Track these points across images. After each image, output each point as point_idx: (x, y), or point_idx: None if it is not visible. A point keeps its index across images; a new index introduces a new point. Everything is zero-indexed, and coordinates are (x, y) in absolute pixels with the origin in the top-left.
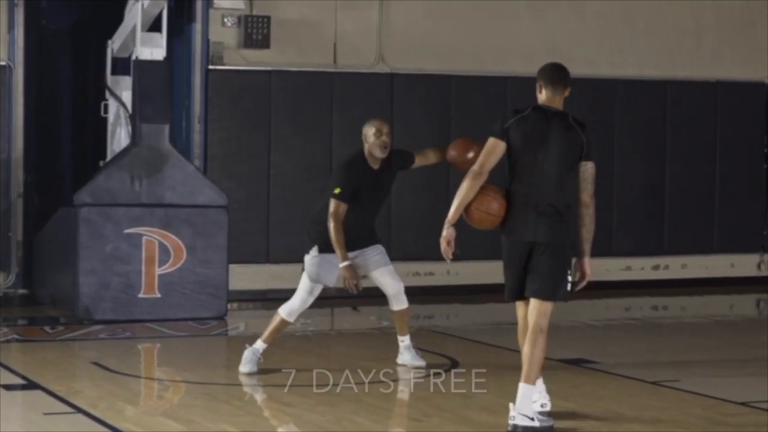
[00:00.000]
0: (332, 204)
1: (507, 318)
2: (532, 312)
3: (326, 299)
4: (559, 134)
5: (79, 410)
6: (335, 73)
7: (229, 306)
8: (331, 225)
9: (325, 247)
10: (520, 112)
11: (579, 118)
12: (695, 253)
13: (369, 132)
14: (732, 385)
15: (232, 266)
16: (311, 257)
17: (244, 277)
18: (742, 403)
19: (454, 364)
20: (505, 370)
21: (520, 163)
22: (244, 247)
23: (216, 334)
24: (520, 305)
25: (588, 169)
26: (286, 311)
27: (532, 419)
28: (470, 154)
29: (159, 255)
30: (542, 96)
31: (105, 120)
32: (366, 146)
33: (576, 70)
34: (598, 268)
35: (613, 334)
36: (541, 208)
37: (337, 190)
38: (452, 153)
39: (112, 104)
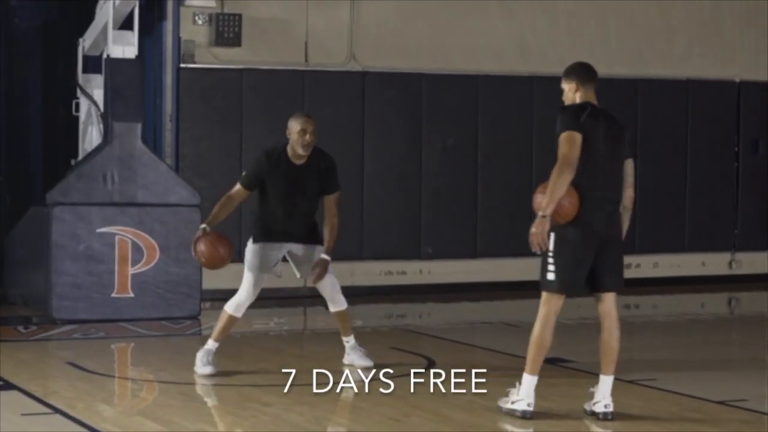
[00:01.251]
0: (235, 186)
1: (480, 317)
2: (609, 304)
3: (298, 298)
4: (615, 131)
5: (57, 411)
6: (307, 71)
7: (202, 305)
8: (223, 198)
9: (259, 236)
10: (584, 108)
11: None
12: (667, 252)
13: (294, 128)
14: (708, 384)
15: None
16: (248, 247)
17: (217, 276)
18: (720, 402)
19: (431, 363)
20: (482, 369)
21: (591, 158)
22: None
23: (190, 333)
24: (561, 299)
25: (632, 165)
26: (233, 306)
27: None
28: None
29: (132, 254)
30: (579, 95)
31: (76, 118)
32: (290, 142)
33: (546, 68)
34: None
35: (587, 333)
36: (609, 201)
37: (243, 173)
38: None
39: (84, 103)
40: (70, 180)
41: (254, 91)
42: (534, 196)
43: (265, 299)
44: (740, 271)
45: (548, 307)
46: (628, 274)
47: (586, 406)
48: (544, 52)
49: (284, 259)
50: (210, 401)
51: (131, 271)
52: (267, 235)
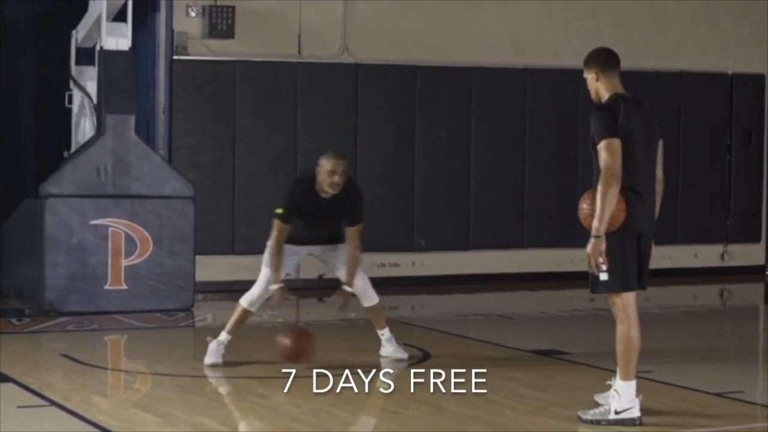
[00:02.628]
0: (274, 224)
1: (473, 309)
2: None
3: (291, 290)
4: (647, 120)
5: (53, 403)
6: (300, 63)
7: (195, 297)
8: (270, 245)
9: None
10: (618, 106)
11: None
12: (659, 244)
13: (324, 168)
14: (704, 376)
15: (197, 257)
16: (268, 247)
17: (210, 268)
18: (717, 394)
19: (426, 355)
20: (477, 362)
21: (630, 157)
22: (209, 238)
23: (184, 325)
24: (631, 295)
25: (661, 146)
26: (247, 301)
27: None
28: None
29: (125, 246)
30: (601, 83)
31: (69, 110)
32: (318, 176)
33: (540, 60)
34: (561, 259)
35: (581, 324)
36: (649, 195)
37: (279, 210)
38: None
39: (77, 95)
40: (64, 172)
41: (247, 83)
42: (579, 204)
43: None
44: (732, 263)
45: (624, 306)
46: None
47: (599, 399)
48: (538, 44)
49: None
50: (206, 393)
51: (124, 263)
52: (289, 239)
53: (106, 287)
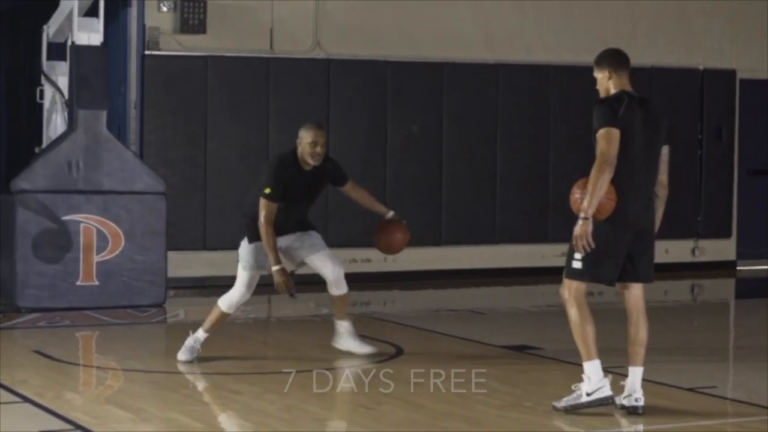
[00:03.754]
0: (262, 204)
1: (445, 304)
2: (638, 296)
3: (263, 286)
4: (652, 119)
5: (27, 400)
6: (272, 58)
7: (167, 293)
8: (263, 227)
9: (256, 237)
10: (621, 100)
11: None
12: None
13: (305, 139)
14: (677, 371)
15: (168, 253)
16: (244, 246)
17: (181, 264)
18: (690, 389)
19: (399, 351)
20: (450, 357)
21: (629, 151)
22: (180, 234)
23: (156, 321)
24: (584, 284)
25: (668, 151)
26: (226, 304)
27: None
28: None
29: (97, 242)
30: (612, 82)
31: (40, 106)
32: (299, 149)
33: (512, 56)
34: (533, 255)
35: (553, 320)
36: (646, 193)
37: (267, 190)
38: (398, 235)
39: (48, 90)
40: (35, 167)
41: (219, 79)
42: (571, 193)
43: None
44: (703, 259)
45: (572, 291)
46: None
47: (617, 400)
48: (510, 40)
49: None
50: (180, 390)
51: (96, 259)
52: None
53: (78, 283)
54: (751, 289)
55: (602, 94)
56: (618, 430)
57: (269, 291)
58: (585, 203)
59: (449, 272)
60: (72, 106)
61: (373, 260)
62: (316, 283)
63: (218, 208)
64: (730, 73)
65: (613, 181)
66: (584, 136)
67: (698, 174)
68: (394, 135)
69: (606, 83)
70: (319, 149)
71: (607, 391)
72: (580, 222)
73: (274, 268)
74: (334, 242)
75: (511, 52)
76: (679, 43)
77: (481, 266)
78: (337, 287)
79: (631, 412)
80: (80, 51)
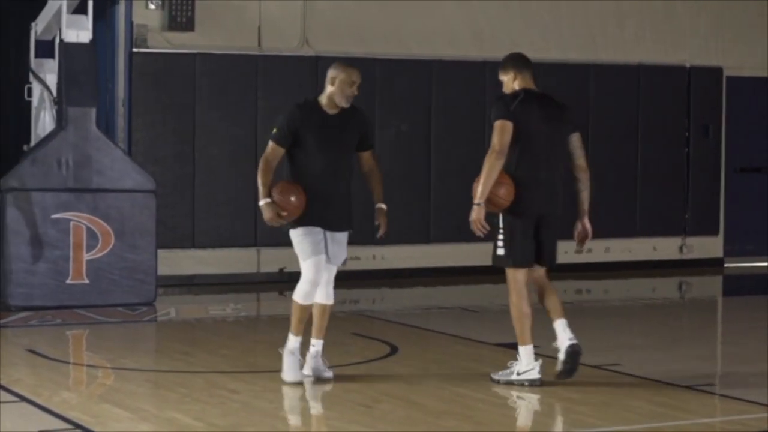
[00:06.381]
0: (267, 145)
1: (435, 302)
2: (542, 275)
3: (252, 284)
4: (552, 111)
5: (23, 399)
6: (260, 56)
7: (157, 291)
8: (261, 164)
9: (299, 220)
10: (518, 96)
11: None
12: (618, 237)
13: (340, 77)
14: (673, 369)
15: (158, 251)
16: (293, 237)
17: (170, 262)
18: (688, 387)
19: (394, 349)
20: (446, 355)
21: (527, 142)
22: (169, 232)
23: (147, 320)
24: (522, 271)
25: (578, 138)
26: (301, 296)
27: None
28: None
29: (87, 240)
30: (519, 82)
31: (28, 104)
32: (328, 91)
33: (499, 53)
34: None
35: (544, 317)
36: (549, 181)
37: (273, 130)
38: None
39: (36, 87)
40: (24, 165)
41: (207, 76)
42: (473, 186)
43: (218, 285)
44: (691, 256)
45: (512, 279)
46: (579, 258)
47: (559, 346)
48: (498, 37)
49: None
50: (176, 388)
51: (86, 257)
52: (307, 216)
53: (68, 281)
54: (739, 286)
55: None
56: (618, 429)
57: (258, 289)
58: (478, 190)
59: (439, 269)
60: (61, 103)
61: (362, 258)
62: None
63: (207, 205)
64: (717, 71)
65: (514, 173)
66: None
67: (685, 171)
68: (383, 132)
69: (512, 84)
70: (355, 90)
71: (535, 374)
72: (474, 208)
73: (262, 201)
74: None
75: (499, 50)
76: (665, 40)
77: (471, 264)
78: (325, 297)
79: (572, 350)
80: (69, 48)
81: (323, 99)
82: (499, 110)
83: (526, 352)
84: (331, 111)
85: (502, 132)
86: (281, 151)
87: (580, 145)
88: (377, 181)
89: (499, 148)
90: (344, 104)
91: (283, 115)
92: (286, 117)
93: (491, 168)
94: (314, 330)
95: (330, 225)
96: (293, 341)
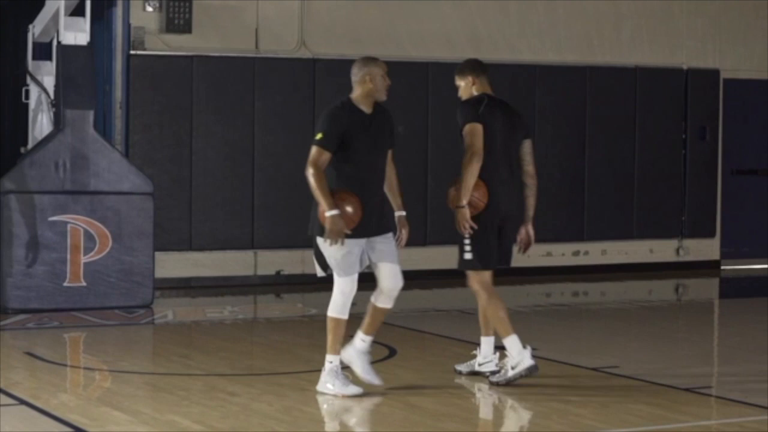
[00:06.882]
0: (313, 151)
1: (432, 304)
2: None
3: (248, 287)
4: (511, 117)
5: (22, 402)
6: (257, 58)
7: (155, 294)
8: (311, 171)
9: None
10: (482, 101)
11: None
12: (615, 239)
13: (373, 72)
14: (671, 371)
15: (155, 254)
16: (332, 249)
17: (167, 264)
18: (686, 389)
19: (392, 351)
20: (445, 357)
21: (492, 145)
22: (166, 235)
23: (144, 322)
24: (486, 272)
25: (529, 144)
26: (336, 311)
27: None
28: None
29: (84, 243)
30: (477, 87)
31: (26, 106)
32: (364, 88)
33: (497, 55)
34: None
35: (542, 320)
36: (509, 183)
37: (318, 136)
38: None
39: (34, 90)
40: (22, 168)
41: (204, 78)
42: (448, 191)
43: (215, 287)
44: (688, 258)
45: (477, 281)
46: (577, 261)
47: (460, 367)
48: (494, 39)
49: None
50: (175, 391)
51: (83, 259)
52: (354, 228)
53: (65, 284)
54: (735, 288)
55: (465, 98)
56: (617, 431)
57: (254, 291)
58: (461, 192)
59: (436, 272)
60: (59, 106)
61: None
62: (302, 283)
63: (204, 208)
64: (714, 73)
65: (482, 172)
66: (569, 135)
67: (682, 174)
68: None
69: (470, 89)
70: (389, 81)
71: (528, 361)
72: (459, 211)
73: (330, 213)
74: None
75: (496, 52)
76: (662, 42)
77: None
78: (384, 300)
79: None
80: (67, 51)
81: (359, 99)
82: (468, 114)
83: (512, 342)
84: (368, 110)
85: (475, 135)
86: (329, 155)
87: (530, 152)
88: (396, 185)
89: (476, 149)
90: (384, 97)
91: (326, 118)
92: (331, 120)
93: (471, 169)
94: (367, 327)
95: (375, 231)
96: (336, 361)
